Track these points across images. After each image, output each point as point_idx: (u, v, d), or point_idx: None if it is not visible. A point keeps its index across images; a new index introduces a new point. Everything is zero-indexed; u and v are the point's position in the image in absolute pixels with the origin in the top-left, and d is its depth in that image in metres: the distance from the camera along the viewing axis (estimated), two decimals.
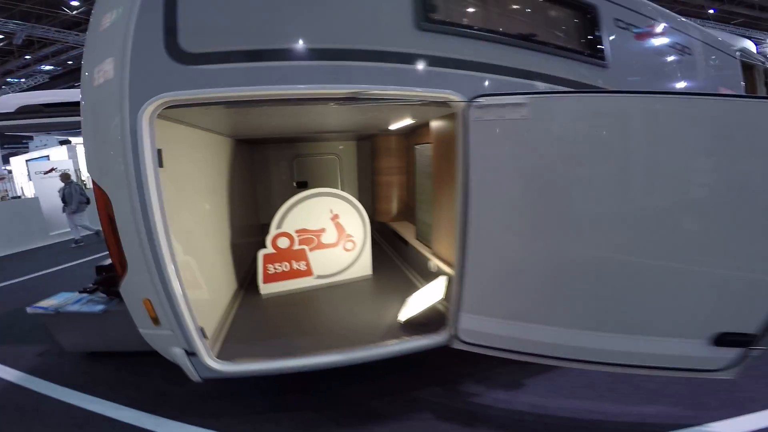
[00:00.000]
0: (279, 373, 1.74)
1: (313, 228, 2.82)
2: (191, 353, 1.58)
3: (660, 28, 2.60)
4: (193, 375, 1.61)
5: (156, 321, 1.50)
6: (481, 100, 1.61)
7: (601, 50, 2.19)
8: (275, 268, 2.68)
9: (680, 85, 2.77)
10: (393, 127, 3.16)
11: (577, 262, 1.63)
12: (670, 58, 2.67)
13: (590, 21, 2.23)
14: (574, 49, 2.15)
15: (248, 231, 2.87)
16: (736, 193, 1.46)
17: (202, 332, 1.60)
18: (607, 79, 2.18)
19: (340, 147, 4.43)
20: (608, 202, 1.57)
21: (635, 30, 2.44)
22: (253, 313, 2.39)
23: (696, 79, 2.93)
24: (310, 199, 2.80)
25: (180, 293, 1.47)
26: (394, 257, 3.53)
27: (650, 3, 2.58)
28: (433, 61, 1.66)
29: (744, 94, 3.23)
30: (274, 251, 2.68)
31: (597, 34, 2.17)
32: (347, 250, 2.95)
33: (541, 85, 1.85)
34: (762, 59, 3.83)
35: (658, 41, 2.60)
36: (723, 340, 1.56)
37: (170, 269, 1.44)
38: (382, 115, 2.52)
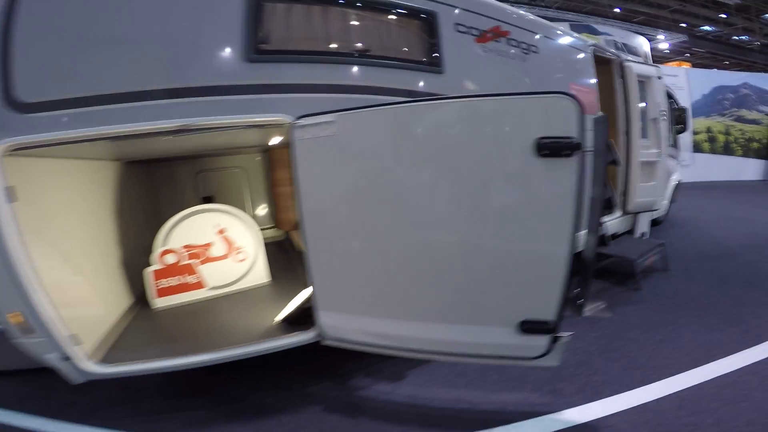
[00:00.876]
0: (155, 372, 1.97)
1: (199, 243, 2.93)
2: (65, 358, 1.83)
3: (504, 29, 2.73)
4: (70, 377, 1.86)
5: (28, 331, 1.76)
6: (301, 120, 1.79)
7: (437, 57, 2.31)
8: (166, 283, 2.82)
9: (524, 84, 2.93)
10: (271, 143, 3.27)
11: (397, 258, 1.80)
12: (514, 59, 2.83)
13: (426, 29, 2.32)
14: (407, 59, 2.26)
15: (147, 249, 2.90)
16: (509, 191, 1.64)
17: (75, 339, 1.85)
18: (442, 86, 2.30)
19: (246, 160, 4.45)
20: (414, 203, 1.74)
21: (475, 33, 2.57)
22: (143, 324, 2.56)
23: (543, 77, 3.07)
24: (193, 216, 2.95)
25: (47, 306, 1.73)
26: (297, 264, 3.68)
27: (497, 3, 2.67)
28: (262, 88, 1.86)
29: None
30: (161, 267, 2.80)
31: (432, 41, 2.29)
32: (240, 261, 3.07)
33: (373, 98, 2.00)
34: (617, 54, 3.86)
35: (500, 43, 2.73)
36: (526, 328, 1.69)
37: (33, 287, 1.69)
38: (246, 136, 2.64)
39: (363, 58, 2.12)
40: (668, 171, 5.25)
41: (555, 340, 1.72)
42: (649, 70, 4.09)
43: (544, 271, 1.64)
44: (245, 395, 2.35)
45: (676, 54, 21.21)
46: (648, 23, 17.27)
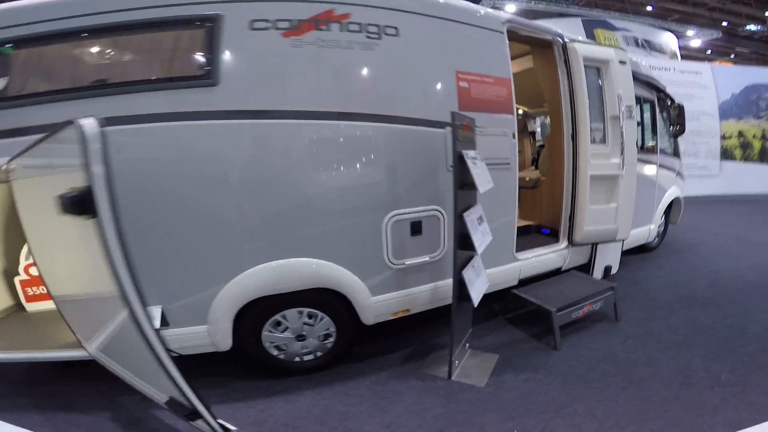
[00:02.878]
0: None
1: None
2: None
3: (340, 11, 2.01)
4: None
5: None
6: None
7: (209, 69, 1.86)
8: (34, 291, 2.83)
9: (360, 81, 2.16)
10: None
11: None
12: (352, 48, 2.08)
13: (197, 38, 1.90)
14: (162, 79, 1.87)
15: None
16: None
17: None
18: (215, 101, 1.87)
19: None
20: None
21: (283, 26, 1.93)
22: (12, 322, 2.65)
23: (404, 68, 2.26)
24: None
25: None
26: None
27: None
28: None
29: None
30: (27, 278, 2.79)
31: (205, 50, 1.87)
32: None
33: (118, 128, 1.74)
34: (555, 32, 2.84)
35: (326, 31, 2.02)
36: None
37: None
38: None
39: (98, 89, 1.85)
40: (657, 186, 4.12)
41: None
42: (605, 52, 3.05)
43: None
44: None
45: (719, 55, 19.42)
46: (686, 21, 15.65)
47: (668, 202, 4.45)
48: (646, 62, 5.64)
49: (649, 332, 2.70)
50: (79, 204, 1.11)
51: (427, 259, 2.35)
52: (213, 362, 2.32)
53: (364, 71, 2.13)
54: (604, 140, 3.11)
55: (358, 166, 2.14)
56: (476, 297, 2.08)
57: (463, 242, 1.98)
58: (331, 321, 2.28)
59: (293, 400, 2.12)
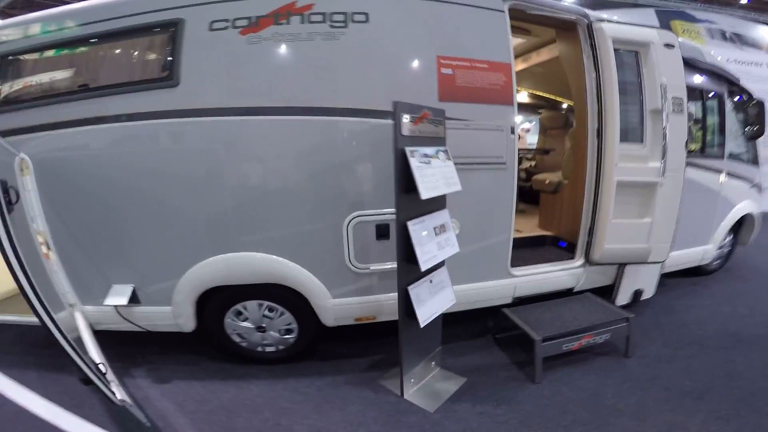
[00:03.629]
0: None
1: None
2: None
3: (302, 4, 1.95)
4: None
5: None
6: None
7: (169, 70, 1.95)
8: None
9: (325, 73, 2.04)
10: None
11: None
12: (313, 40, 2.00)
13: (159, 43, 2.01)
14: (126, 83, 2.00)
15: None
16: None
17: None
18: (175, 101, 1.96)
19: None
20: None
21: (242, 24, 1.94)
22: None
23: (373, 56, 2.09)
24: None
25: None
26: None
27: None
28: None
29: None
30: None
31: (166, 53, 1.97)
32: None
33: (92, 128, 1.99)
34: (578, 10, 2.31)
35: (286, 25, 1.97)
36: None
37: None
38: None
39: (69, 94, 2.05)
40: (720, 198, 3.28)
41: None
42: (644, 33, 2.44)
43: None
44: None
45: None
46: None
47: (736, 219, 3.51)
48: (730, 55, 4.43)
49: (658, 375, 2.19)
50: None
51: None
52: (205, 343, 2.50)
53: (325, 63, 2.03)
54: (641, 139, 2.56)
55: (314, 163, 2.07)
56: (425, 316, 1.87)
57: (408, 254, 1.80)
58: (293, 317, 2.29)
59: (245, 386, 2.19)
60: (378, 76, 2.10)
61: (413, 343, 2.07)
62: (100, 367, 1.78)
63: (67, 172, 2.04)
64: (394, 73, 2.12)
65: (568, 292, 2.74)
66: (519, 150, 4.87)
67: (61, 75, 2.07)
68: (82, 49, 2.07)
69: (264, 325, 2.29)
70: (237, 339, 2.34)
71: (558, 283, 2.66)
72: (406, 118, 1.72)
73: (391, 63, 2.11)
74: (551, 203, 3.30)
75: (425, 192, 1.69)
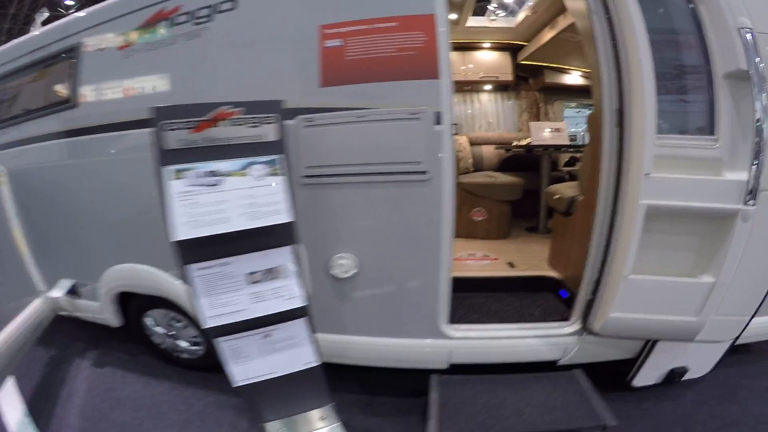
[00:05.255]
0: None
1: None
2: None
3: (169, 8, 1.74)
4: None
5: None
6: None
7: (70, 94, 2.04)
8: None
9: (192, 70, 1.78)
10: None
11: None
12: (181, 41, 1.76)
13: (63, 69, 2.09)
14: (39, 108, 2.20)
15: None
16: None
17: None
18: (77, 120, 2.04)
19: None
20: None
21: (118, 41, 1.89)
22: None
23: (245, 40, 1.72)
24: None
25: None
26: None
27: None
28: None
29: None
30: None
31: (69, 78, 2.05)
32: None
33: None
34: None
35: (158, 32, 1.79)
36: None
37: None
38: None
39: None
40: None
41: None
42: None
43: None
44: None
45: None
46: None
47: None
48: None
49: None
50: None
51: None
52: None
53: (183, 66, 1.74)
54: (710, 129, 1.32)
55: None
56: (243, 376, 1.45)
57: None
58: (198, 331, 2.18)
59: (152, 384, 2.24)
60: (243, 69, 1.68)
61: (267, 394, 1.67)
62: None
63: (18, 185, 2.37)
64: (262, 62, 1.65)
65: (551, 365, 1.79)
66: (561, 147, 3.56)
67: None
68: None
69: (173, 333, 2.27)
70: (156, 341, 2.39)
71: (527, 354, 1.74)
72: (173, 127, 1.25)
73: (259, 50, 1.65)
74: (562, 229, 2.19)
75: (183, 230, 1.22)
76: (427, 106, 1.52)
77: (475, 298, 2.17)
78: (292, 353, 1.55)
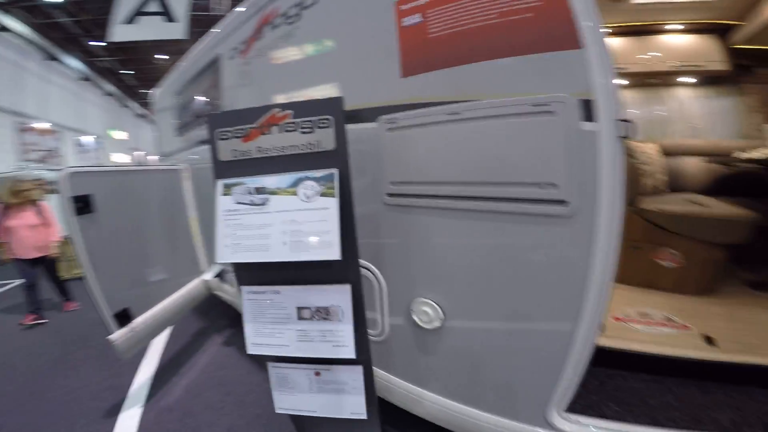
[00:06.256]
0: None
1: None
2: None
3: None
4: None
5: None
6: None
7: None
8: None
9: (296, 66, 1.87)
10: None
11: None
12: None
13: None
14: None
15: None
16: None
17: None
18: None
19: None
20: None
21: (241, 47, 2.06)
22: None
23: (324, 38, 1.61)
24: None
25: None
26: None
27: None
28: None
29: None
30: None
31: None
32: None
33: None
34: None
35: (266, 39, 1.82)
36: None
37: None
38: None
39: None
40: None
41: None
42: None
43: None
44: None
45: None
46: None
47: None
48: None
49: None
50: None
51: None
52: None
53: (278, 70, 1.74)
54: None
55: None
56: (284, 405, 1.27)
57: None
58: None
59: (248, 370, 2.43)
60: (320, 66, 1.53)
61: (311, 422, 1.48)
62: None
63: (197, 181, 2.81)
64: (337, 57, 1.43)
65: None
66: None
67: None
68: None
69: None
70: None
71: None
72: (225, 135, 1.11)
73: (334, 45, 1.44)
74: None
75: (224, 253, 1.06)
76: (565, 92, 0.95)
77: (627, 380, 1.43)
78: (341, 399, 1.30)
